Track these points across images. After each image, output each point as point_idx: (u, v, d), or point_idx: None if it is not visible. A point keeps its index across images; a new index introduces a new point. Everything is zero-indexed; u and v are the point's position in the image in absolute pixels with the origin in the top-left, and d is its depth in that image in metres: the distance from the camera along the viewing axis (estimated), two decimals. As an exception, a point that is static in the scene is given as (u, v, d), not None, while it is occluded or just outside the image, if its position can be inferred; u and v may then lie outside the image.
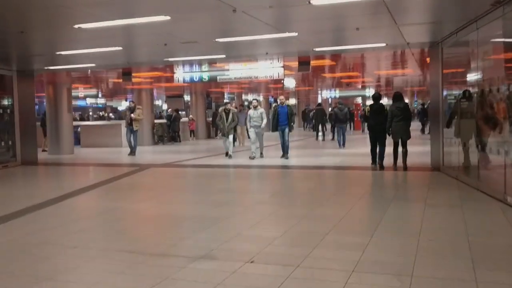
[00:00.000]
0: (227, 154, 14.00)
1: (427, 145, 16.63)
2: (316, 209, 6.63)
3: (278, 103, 14.00)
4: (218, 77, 15.62)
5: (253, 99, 14.59)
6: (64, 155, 17.05)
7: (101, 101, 41.07)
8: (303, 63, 13.33)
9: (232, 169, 11.84)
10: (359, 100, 39.23)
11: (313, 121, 25.12)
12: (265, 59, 14.24)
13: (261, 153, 14.02)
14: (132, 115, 15.35)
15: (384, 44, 10.69)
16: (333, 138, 20.38)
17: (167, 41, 9.48)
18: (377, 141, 10.71)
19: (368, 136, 11.07)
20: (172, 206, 7.22)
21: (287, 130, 13.39)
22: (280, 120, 13.31)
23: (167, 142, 22.49)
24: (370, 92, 34.74)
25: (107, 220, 6.17)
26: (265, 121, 13.80)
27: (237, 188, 9.12)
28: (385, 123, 10.38)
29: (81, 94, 25.84)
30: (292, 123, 13.67)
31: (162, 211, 6.78)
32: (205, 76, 15.77)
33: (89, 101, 38.48)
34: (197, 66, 15.75)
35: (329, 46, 11.13)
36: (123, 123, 23.76)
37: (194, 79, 15.86)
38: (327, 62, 14.62)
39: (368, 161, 11.18)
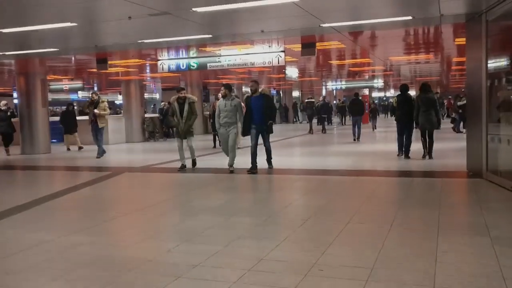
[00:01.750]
0: (182, 167, 9.86)
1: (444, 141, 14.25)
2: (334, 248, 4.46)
3: (249, 92, 9.70)
4: (208, 65, 13.49)
5: (223, 85, 9.61)
6: (38, 154, 15.06)
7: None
8: (307, 45, 11.12)
9: (222, 175, 9.64)
10: (366, 91, 36.75)
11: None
12: (263, 42, 12.05)
13: (230, 166, 9.48)
14: (95, 110, 12.77)
15: (410, 18, 8.46)
16: (322, 131, 22.00)
17: (131, 12, 7.28)
18: (404, 132, 10.90)
19: (396, 128, 11.27)
20: (123, 242, 5.06)
21: (265, 131, 9.40)
22: (254, 118, 9.26)
23: (159, 139, 20.38)
24: (378, 83, 32.33)
25: (25, 260, 4.02)
26: (240, 119, 9.46)
27: (221, 208, 6.93)
28: (412, 114, 10.55)
29: (65, 87, 23.76)
30: (270, 121, 9.36)
31: (104, 251, 4.60)
32: (193, 63, 13.63)
33: (81, 94, 36.36)
34: (184, 51, 13.63)
35: (340, 21, 8.87)
36: (111, 118, 21.82)
37: (181, 67, 13.73)
38: (334, 44, 12.31)
39: (386, 161, 10.68)
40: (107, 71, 16.08)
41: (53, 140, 20.00)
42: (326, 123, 23.36)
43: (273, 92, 37.92)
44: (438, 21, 8.84)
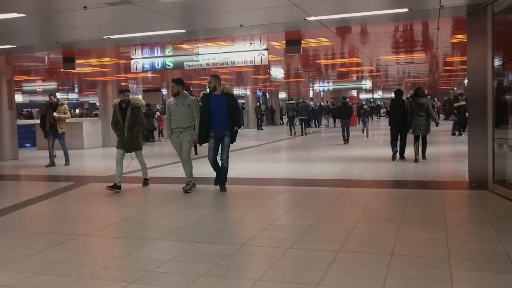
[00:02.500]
0: (114, 186, 7.85)
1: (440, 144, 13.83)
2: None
3: (207, 90, 7.74)
4: (185, 63, 12.56)
5: (173, 80, 7.56)
6: (4, 161, 13.91)
7: (73, 96, 37.69)
8: (292, 42, 10.20)
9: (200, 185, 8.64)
10: (354, 93, 35.86)
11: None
12: (244, 39, 11.10)
13: (188, 184, 7.64)
14: (54, 113, 11.52)
15: (406, 10, 7.54)
16: (302, 133, 21.98)
17: (85, 0, 6.24)
18: (397, 135, 10.97)
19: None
20: (53, 283, 4.02)
21: (227, 139, 7.41)
22: (213, 122, 7.34)
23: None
24: (366, 84, 31.52)
25: None
26: (197, 122, 7.54)
27: (188, 230, 5.93)
28: (405, 117, 10.62)
29: (39, 88, 22.54)
30: (236, 128, 7.50)
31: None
32: (169, 62, 12.66)
33: (59, 95, 35.08)
34: (159, 50, 12.64)
35: (327, 14, 7.91)
36: (86, 121, 20.63)
37: (156, 66, 12.78)
38: (321, 42, 11.34)
39: (376, 168, 10.06)
40: (76, 70, 15.06)
41: (27, 145, 18.87)
42: (306, 125, 23.40)
43: (259, 93, 36.95)
44: (436, 14, 7.93)
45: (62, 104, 11.67)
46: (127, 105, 7.84)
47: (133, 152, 8.12)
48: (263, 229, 5.35)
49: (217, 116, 7.30)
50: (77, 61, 13.38)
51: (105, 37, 9.20)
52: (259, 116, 31.71)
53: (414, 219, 5.70)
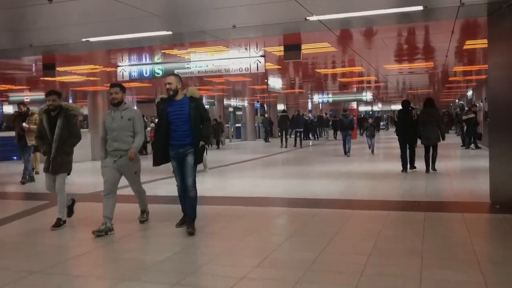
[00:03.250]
0: (58, 224, 6.06)
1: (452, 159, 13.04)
2: None
3: (165, 94, 5.68)
4: (175, 71, 11.57)
5: (113, 85, 5.84)
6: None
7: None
8: (291, 47, 9.30)
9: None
10: (354, 105, 34.94)
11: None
12: (239, 45, 10.23)
13: (143, 213, 6.33)
14: (24, 124, 10.36)
15: (420, 8, 6.63)
16: (295, 145, 21.82)
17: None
18: (407, 146, 10.80)
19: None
20: None
21: (189, 158, 5.54)
22: (173, 138, 5.58)
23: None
24: (367, 96, 30.66)
25: None
26: (139, 138, 5.73)
27: (164, 268, 4.96)
28: (414, 128, 10.59)
29: (26, 99, 21.59)
30: (202, 142, 5.61)
31: None
32: (158, 69, 11.76)
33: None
34: (147, 57, 11.76)
35: (331, 12, 7.00)
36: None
37: (144, 74, 11.90)
38: (324, 46, 10.40)
39: (384, 186, 9.13)
40: (62, 79, 14.22)
41: (14, 158, 17.90)
42: (305, 137, 23.87)
43: (257, 105, 36.08)
44: (454, 13, 7.04)
45: (32, 114, 10.46)
46: (57, 112, 6.01)
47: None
48: (257, 265, 4.38)
49: (178, 129, 5.50)
50: (61, 69, 12.54)
51: (84, 39, 8.28)
52: (268, 128, 30.84)
53: (438, 252, 4.74)
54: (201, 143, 5.57)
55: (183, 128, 5.51)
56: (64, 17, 6.75)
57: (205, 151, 7.14)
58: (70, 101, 33.25)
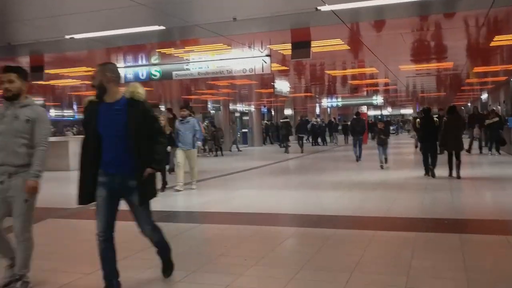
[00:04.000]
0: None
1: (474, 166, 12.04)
2: None
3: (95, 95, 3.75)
4: (174, 73, 10.78)
5: (6, 69, 3.83)
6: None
7: (68, 113, 35.99)
8: (300, 44, 8.35)
9: (184, 224, 6.73)
10: (364, 109, 33.76)
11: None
12: (243, 43, 9.33)
13: (19, 280, 3.88)
14: None
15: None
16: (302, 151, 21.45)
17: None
18: (428, 152, 10.79)
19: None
20: None
21: (135, 199, 3.71)
22: (105, 158, 3.69)
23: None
24: (377, 99, 29.61)
25: None
26: (40, 154, 3.84)
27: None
28: (435, 135, 10.57)
29: None
30: (149, 169, 3.69)
31: None
32: (155, 71, 10.87)
33: (53, 113, 33.42)
34: (144, 57, 10.89)
35: (347, 1, 6.04)
36: (72, 140, 18.76)
37: (140, 77, 10.99)
38: (335, 43, 9.40)
39: (404, 199, 8.26)
40: (56, 83, 13.41)
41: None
42: (314, 142, 23.98)
43: (264, 110, 35.12)
44: (489, 2, 6.06)
45: None
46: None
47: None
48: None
49: (109, 144, 3.66)
50: (52, 71, 11.74)
51: (68, 37, 7.40)
52: (285, 133, 29.21)
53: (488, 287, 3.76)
54: (148, 170, 3.67)
55: (117, 145, 3.64)
56: (40, 8, 5.86)
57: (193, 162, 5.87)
58: (75, 106, 32.68)
